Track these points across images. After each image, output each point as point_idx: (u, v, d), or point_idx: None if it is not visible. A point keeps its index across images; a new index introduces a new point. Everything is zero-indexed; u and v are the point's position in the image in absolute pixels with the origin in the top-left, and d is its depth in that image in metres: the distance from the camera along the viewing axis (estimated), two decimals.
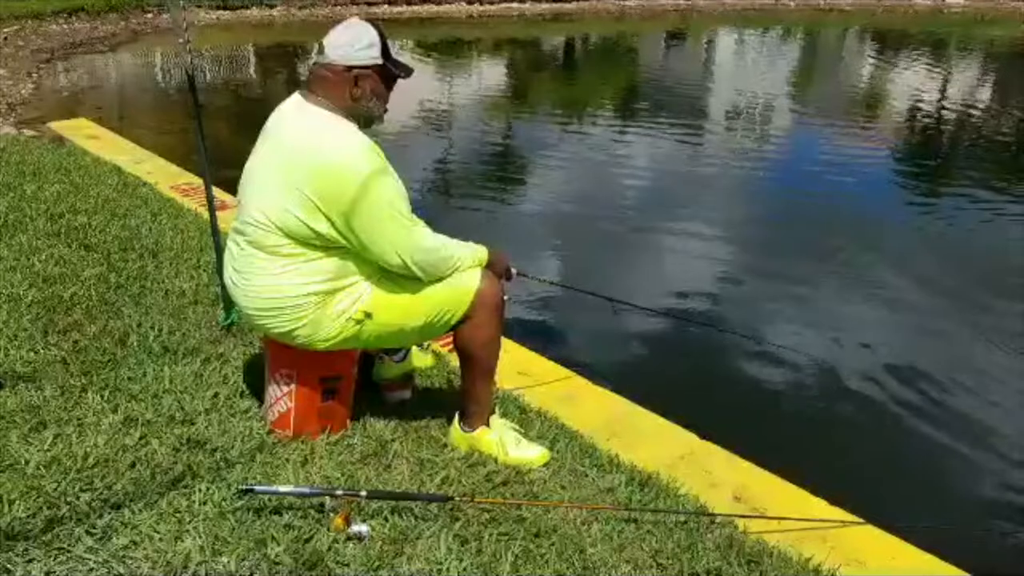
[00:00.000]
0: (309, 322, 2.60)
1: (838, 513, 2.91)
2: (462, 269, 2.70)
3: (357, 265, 2.62)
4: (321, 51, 2.59)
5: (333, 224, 2.49)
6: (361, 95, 2.57)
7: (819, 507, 2.95)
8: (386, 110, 2.70)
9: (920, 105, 13.78)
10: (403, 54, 15.53)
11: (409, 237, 2.56)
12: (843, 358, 4.84)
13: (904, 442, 4.17)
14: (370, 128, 2.69)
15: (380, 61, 2.58)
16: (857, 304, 5.73)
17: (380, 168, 2.51)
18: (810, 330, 5.23)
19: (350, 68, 2.55)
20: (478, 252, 2.78)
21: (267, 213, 2.53)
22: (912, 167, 10.24)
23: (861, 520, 2.88)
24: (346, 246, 2.55)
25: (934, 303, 5.80)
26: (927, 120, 12.87)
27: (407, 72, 2.69)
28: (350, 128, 2.56)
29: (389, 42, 2.63)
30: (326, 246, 2.54)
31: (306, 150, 2.50)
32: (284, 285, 2.57)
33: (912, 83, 15.71)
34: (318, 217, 2.48)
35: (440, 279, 2.68)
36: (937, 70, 17.62)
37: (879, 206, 8.27)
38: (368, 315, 2.63)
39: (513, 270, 2.99)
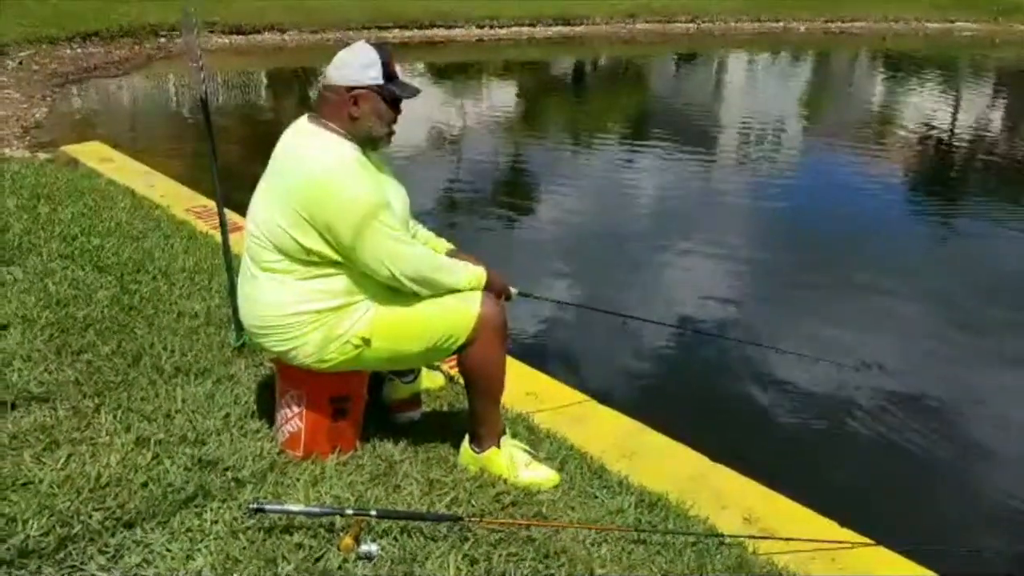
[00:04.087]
0: (306, 343, 2.63)
1: (848, 534, 2.90)
2: (459, 286, 2.71)
3: (354, 288, 2.63)
4: (325, 75, 2.66)
5: (322, 236, 2.52)
6: (361, 115, 2.61)
7: (829, 528, 2.94)
8: (392, 131, 2.72)
9: (933, 128, 13.79)
10: (412, 77, 15.67)
11: (396, 249, 2.58)
12: (855, 379, 4.83)
13: (916, 464, 4.15)
14: (377, 150, 2.73)
15: (380, 81, 2.61)
16: (871, 325, 5.71)
17: (365, 183, 2.56)
18: (822, 351, 5.22)
19: (350, 89, 2.60)
20: (474, 271, 2.78)
21: (260, 227, 2.60)
22: (927, 188, 10.25)
23: (872, 541, 2.87)
24: (339, 262, 2.58)
25: (951, 326, 5.78)
26: (940, 142, 12.88)
27: (410, 92, 2.69)
28: (342, 145, 2.60)
29: (398, 65, 2.67)
30: (318, 263, 2.57)
31: (296, 166, 2.58)
32: (279, 303, 2.61)
33: (925, 106, 15.72)
34: (305, 229, 2.52)
35: (439, 296, 2.70)
36: (950, 93, 17.63)
37: (895, 227, 8.28)
38: (366, 341, 2.65)
39: (513, 291, 2.98)
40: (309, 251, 2.55)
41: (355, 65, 2.62)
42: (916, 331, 5.69)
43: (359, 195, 2.53)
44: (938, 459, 4.17)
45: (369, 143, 2.68)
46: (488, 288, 2.79)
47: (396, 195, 2.75)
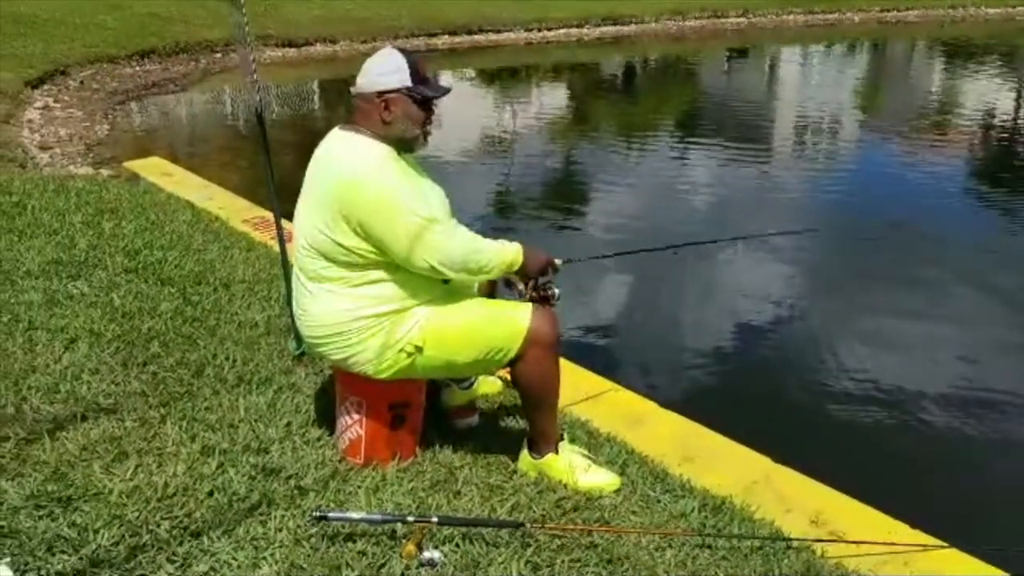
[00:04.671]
0: (365, 349, 2.65)
1: (920, 537, 2.83)
2: (497, 259, 2.69)
3: (405, 293, 2.64)
4: (355, 83, 2.68)
5: (357, 234, 2.54)
6: (393, 118, 2.63)
7: (900, 530, 2.87)
8: (428, 132, 2.74)
9: (999, 117, 13.42)
10: (463, 82, 15.73)
11: (430, 239, 2.55)
12: (923, 378, 4.72)
13: (990, 462, 4.04)
14: (412, 151, 2.75)
15: (408, 83, 2.63)
16: (940, 323, 5.57)
17: (395, 178, 2.57)
18: (888, 349, 5.11)
19: (380, 94, 2.62)
20: (512, 246, 2.75)
21: (306, 237, 2.64)
22: (994, 182, 9.96)
23: (944, 543, 2.79)
24: (386, 265, 2.59)
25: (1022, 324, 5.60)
26: (1008, 132, 12.54)
27: (440, 91, 2.72)
28: (372, 146, 2.62)
29: (447, 71, 2.68)
30: (365, 266, 2.59)
31: (328, 170, 2.62)
32: (334, 311, 2.64)
33: (990, 94, 15.31)
34: (344, 230, 2.54)
35: (489, 308, 2.74)
36: (1017, 80, 17.15)
37: (961, 224, 8.07)
38: (419, 348, 2.66)
39: (557, 261, 2.91)
40: (350, 251, 2.57)
41: (383, 70, 2.64)
42: (994, 332, 5.51)
43: (388, 191, 2.54)
44: (1015, 459, 4.04)
45: (403, 146, 2.70)
46: (526, 262, 2.76)
47: (433, 194, 2.77)
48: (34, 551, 2.25)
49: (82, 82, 12.86)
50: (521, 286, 2.93)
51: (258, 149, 3.64)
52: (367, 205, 2.52)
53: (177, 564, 2.27)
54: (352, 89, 2.70)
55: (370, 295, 2.63)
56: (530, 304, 2.75)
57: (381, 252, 2.57)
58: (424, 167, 2.85)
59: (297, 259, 2.73)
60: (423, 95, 2.67)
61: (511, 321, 2.69)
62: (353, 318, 2.63)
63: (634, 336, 5.37)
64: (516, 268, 2.77)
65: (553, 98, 15.71)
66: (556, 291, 2.85)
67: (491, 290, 3.07)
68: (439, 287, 2.71)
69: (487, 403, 3.40)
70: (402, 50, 2.72)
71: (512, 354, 2.70)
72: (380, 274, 2.62)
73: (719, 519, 2.78)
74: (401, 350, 2.66)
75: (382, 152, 2.62)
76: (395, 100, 2.63)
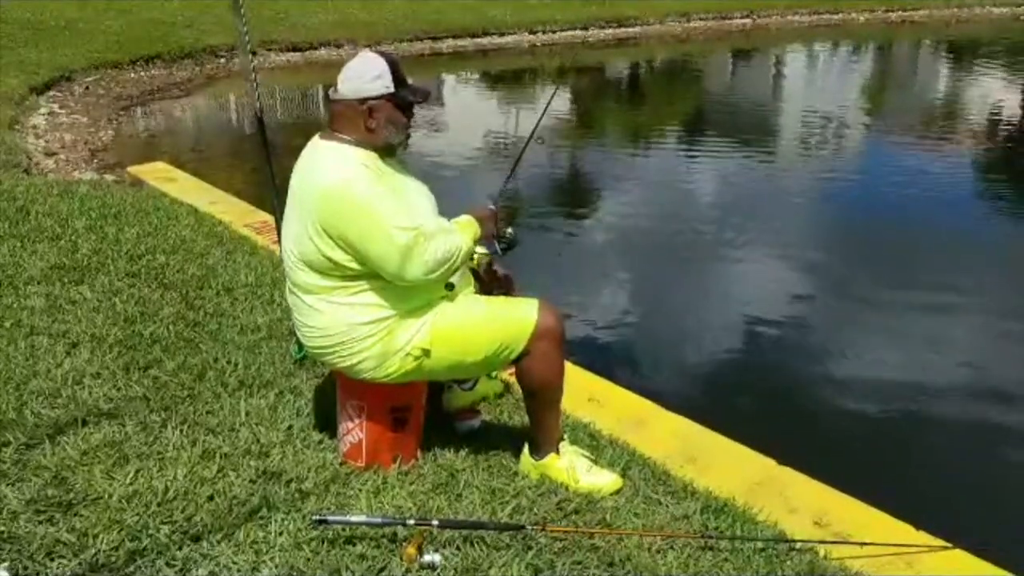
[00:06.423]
0: (368, 356, 2.63)
1: (924, 537, 2.81)
2: (465, 252, 2.66)
3: (400, 297, 2.63)
4: (335, 89, 2.65)
5: (340, 247, 2.52)
6: (377, 125, 2.62)
7: (904, 531, 2.85)
8: (408, 135, 2.74)
9: (1006, 117, 13.38)
10: (467, 87, 15.73)
11: (417, 251, 2.51)
12: (928, 378, 4.69)
13: (996, 463, 4.01)
14: (394, 155, 2.74)
15: (392, 89, 2.62)
16: (946, 324, 5.55)
17: (374, 188, 2.54)
18: (891, 350, 5.08)
19: (363, 100, 2.60)
20: (467, 229, 2.73)
21: (295, 249, 2.62)
22: (1002, 183, 9.92)
23: (949, 544, 2.77)
24: (367, 273, 2.56)
25: None
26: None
27: (421, 96, 2.71)
28: (353, 155, 2.59)
29: (403, 70, 2.67)
30: (355, 276, 2.57)
31: (310, 181, 2.59)
32: (333, 323, 2.63)
33: (996, 94, 15.25)
34: (328, 243, 2.53)
35: (496, 307, 2.73)
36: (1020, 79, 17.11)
37: (971, 223, 8.03)
38: (426, 352, 2.64)
39: (491, 206, 2.89)
40: (338, 264, 2.55)
41: (366, 76, 2.61)
42: (998, 332, 5.49)
43: (368, 204, 2.50)
44: (1022, 456, 4.02)
45: (387, 150, 2.70)
46: (481, 224, 2.76)
47: (419, 194, 2.76)
48: (33, 556, 2.25)
49: (87, 88, 12.89)
50: (492, 247, 2.91)
51: (260, 153, 3.64)
52: (346, 218, 2.50)
53: (177, 568, 2.27)
54: (332, 95, 2.66)
55: (368, 303, 2.61)
56: (536, 300, 2.74)
57: (365, 264, 2.55)
58: (407, 168, 2.83)
59: (288, 273, 2.71)
60: (406, 100, 2.66)
61: (518, 316, 2.68)
62: (353, 326, 2.61)
63: (636, 337, 5.35)
64: (479, 236, 2.76)
65: (558, 100, 15.67)
66: (510, 231, 2.89)
67: (488, 289, 3.06)
68: (436, 289, 2.70)
69: (488, 405, 3.39)
70: (382, 53, 2.71)
71: (519, 350, 2.69)
72: (374, 282, 2.60)
73: (722, 521, 2.76)
74: (407, 354, 2.65)
75: (361, 162, 2.59)
76: (379, 107, 2.61)
